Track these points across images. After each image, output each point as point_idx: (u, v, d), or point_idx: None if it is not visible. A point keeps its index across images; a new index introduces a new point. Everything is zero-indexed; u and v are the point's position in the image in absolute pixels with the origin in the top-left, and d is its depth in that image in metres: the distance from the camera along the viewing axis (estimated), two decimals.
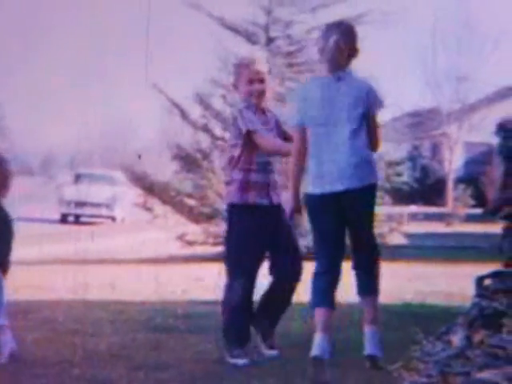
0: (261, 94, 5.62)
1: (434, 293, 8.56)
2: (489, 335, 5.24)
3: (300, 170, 5.16)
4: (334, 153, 5.01)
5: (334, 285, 5.12)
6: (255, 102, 5.61)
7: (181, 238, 15.03)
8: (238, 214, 5.55)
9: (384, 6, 15.16)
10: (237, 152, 5.52)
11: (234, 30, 15.31)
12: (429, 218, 21.80)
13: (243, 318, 5.57)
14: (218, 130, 15.07)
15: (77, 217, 28.65)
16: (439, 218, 25.35)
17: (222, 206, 14.38)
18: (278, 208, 5.59)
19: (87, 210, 28.32)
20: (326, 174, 5.01)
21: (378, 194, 9.68)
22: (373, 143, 5.13)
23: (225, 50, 14.78)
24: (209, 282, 9.84)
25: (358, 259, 5.23)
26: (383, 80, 14.72)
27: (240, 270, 5.51)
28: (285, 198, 5.54)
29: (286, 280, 5.61)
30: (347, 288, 5.40)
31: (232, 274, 5.57)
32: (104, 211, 28.43)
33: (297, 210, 5.25)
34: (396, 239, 13.56)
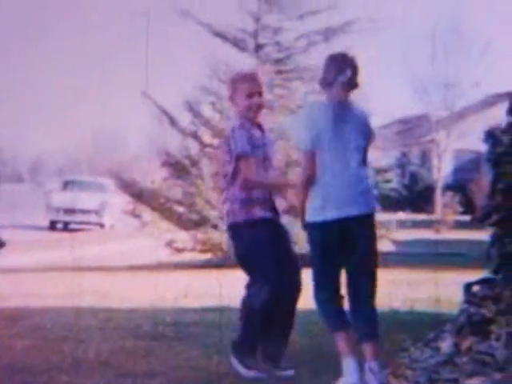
0: (259, 107, 5.59)
1: (422, 299, 8.56)
2: (477, 342, 5.26)
3: (307, 195, 5.06)
4: (343, 179, 4.99)
5: (341, 305, 5.06)
6: (252, 115, 5.57)
7: (169, 244, 15.01)
8: (244, 231, 5.46)
9: (372, 13, 15.26)
10: (230, 169, 5.48)
11: (223, 36, 15.31)
12: (417, 224, 21.78)
13: (261, 325, 5.40)
14: (207, 137, 15.06)
15: (66, 224, 28.53)
16: (428, 224, 25.38)
17: (211, 213, 14.41)
18: (280, 220, 5.58)
19: (76, 217, 28.25)
20: (333, 200, 4.96)
21: None
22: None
23: (214, 57, 14.80)
24: (198, 290, 9.84)
25: (359, 312, 5.02)
26: (372, 87, 14.73)
27: (265, 277, 5.37)
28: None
29: (290, 290, 5.48)
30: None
31: (257, 280, 5.42)
32: (93, 218, 28.37)
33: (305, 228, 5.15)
34: (384, 246, 13.54)
